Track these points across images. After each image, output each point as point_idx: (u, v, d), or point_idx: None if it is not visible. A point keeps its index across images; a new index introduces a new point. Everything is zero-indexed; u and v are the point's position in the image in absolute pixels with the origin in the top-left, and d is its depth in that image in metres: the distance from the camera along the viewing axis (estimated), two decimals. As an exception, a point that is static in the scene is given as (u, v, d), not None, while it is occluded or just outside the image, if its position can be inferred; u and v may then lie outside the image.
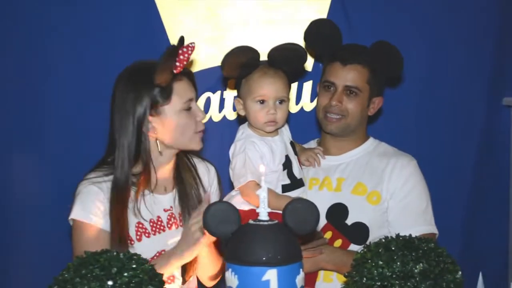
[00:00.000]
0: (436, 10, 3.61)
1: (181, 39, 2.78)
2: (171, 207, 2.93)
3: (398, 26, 3.58)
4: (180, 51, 2.76)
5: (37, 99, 3.49)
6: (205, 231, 2.30)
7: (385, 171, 3.16)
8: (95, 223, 2.75)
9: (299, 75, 3.58)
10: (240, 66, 2.87)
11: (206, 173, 3.06)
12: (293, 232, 2.10)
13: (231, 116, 3.61)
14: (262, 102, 2.89)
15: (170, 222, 2.91)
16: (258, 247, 2.04)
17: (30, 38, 3.45)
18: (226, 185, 3.15)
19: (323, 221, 3.10)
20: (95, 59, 3.48)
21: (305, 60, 2.99)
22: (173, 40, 3.03)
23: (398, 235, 2.14)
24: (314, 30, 3.23)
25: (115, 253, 2.11)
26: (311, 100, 3.64)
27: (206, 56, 3.56)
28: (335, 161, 3.24)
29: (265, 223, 2.10)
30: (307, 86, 3.67)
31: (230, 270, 2.07)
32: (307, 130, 3.54)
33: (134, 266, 2.08)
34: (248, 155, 2.87)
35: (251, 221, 2.13)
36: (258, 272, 2.02)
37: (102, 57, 3.45)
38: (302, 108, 3.66)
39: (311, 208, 2.15)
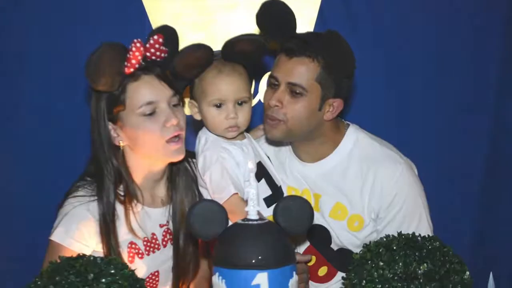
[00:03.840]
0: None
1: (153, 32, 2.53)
2: (168, 221, 2.69)
3: (402, 12, 3.38)
4: (130, 48, 2.49)
5: (11, 91, 3.35)
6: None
7: (365, 186, 2.74)
8: (73, 248, 2.50)
9: (261, 69, 3.20)
10: (191, 67, 2.57)
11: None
12: (285, 232, 2.00)
13: None
14: (220, 105, 2.57)
15: (166, 239, 2.68)
16: (247, 249, 1.94)
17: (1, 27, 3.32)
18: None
19: (305, 243, 2.82)
20: (72, 47, 3.28)
21: (264, 51, 2.64)
22: (156, 24, 2.81)
23: (400, 234, 2.05)
24: (265, 12, 2.74)
25: (92, 258, 2.01)
26: None
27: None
28: (308, 170, 2.83)
29: (255, 222, 1.99)
30: None
31: (217, 274, 1.97)
32: None
33: (112, 271, 1.98)
34: (224, 164, 2.53)
35: (239, 221, 2.02)
36: (248, 276, 1.93)
37: (79, 44, 3.21)
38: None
39: (304, 205, 2.03)
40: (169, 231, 2.67)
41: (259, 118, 2.99)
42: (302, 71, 2.64)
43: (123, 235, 2.56)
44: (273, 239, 1.97)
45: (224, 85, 2.56)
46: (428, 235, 2.05)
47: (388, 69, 3.39)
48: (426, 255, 1.97)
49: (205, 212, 1.99)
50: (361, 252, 2.04)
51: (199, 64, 2.56)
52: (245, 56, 2.59)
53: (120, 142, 2.55)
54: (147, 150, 2.55)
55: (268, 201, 2.64)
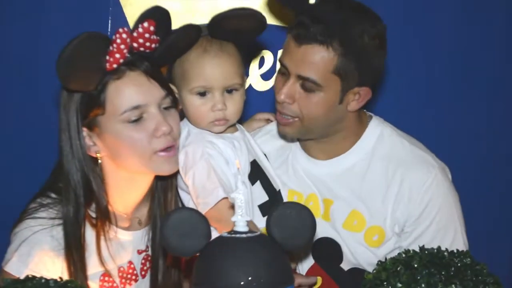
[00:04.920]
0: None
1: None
2: (147, 247, 2.33)
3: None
4: (113, 39, 2.12)
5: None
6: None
7: (389, 192, 2.39)
8: None
9: (255, 48, 2.91)
10: (175, 50, 2.24)
11: None
12: (280, 247, 1.78)
13: None
14: (204, 94, 2.25)
15: (145, 268, 2.33)
16: (235, 268, 1.73)
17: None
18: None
19: (309, 260, 2.47)
20: (33, 35, 3.01)
21: (262, 28, 2.29)
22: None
23: (422, 248, 1.81)
24: None
25: (43, 280, 1.73)
26: None
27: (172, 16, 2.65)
28: (320, 169, 2.48)
29: (243, 235, 1.76)
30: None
31: (198, 298, 1.74)
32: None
33: (69, 298, 1.70)
34: (211, 162, 2.23)
35: (224, 234, 1.77)
36: (235, 301, 1.71)
37: (36, 32, 2.98)
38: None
39: (304, 214, 1.78)
40: (149, 258, 2.32)
41: (253, 108, 2.67)
42: (314, 62, 2.27)
43: (93, 265, 2.19)
44: (266, 255, 1.75)
45: (209, 69, 2.23)
46: (457, 250, 1.81)
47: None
48: (454, 274, 1.78)
49: (182, 223, 1.74)
50: (374, 271, 1.81)
51: (183, 48, 2.23)
52: (237, 33, 2.25)
53: (97, 152, 2.17)
54: (130, 163, 2.18)
55: (264, 208, 2.33)
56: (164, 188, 2.31)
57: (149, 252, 2.31)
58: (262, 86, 3.00)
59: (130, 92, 2.13)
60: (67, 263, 2.15)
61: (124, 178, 2.21)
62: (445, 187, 2.40)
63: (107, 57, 2.09)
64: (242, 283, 1.70)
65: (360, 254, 2.40)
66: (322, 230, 2.41)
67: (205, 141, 2.25)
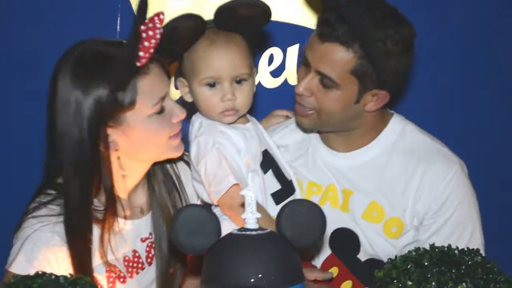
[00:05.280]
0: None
1: (142, 6, 2.11)
2: (151, 234, 2.34)
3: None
4: (143, 34, 2.10)
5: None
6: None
7: (410, 185, 2.41)
8: None
9: (263, 38, 2.85)
10: (178, 41, 2.23)
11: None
12: (291, 244, 1.77)
13: None
14: (213, 84, 2.25)
15: (150, 255, 2.33)
16: (244, 266, 1.72)
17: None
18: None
19: (326, 251, 2.48)
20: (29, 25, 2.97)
21: (269, 16, 2.27)
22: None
23: (433, 246, 1.80)
24: None
25: (53, 277, 1.72)
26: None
27: (175, 12, 2.58)
28: (340, 161, 2.50)
29: (253, 232, 1.75)
30: (293, 51, 2.98)
31: (207, 296, 1.74)
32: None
33: (79, 293, 1.70)
34: (222, 151, 2.24)
35: (234, 231, 1.77)
36: (244, 299, 1.71)
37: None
38: (286, 81, 2.99)
39: (315, 211, 1.77)
40: (153, 245, 2.33)
41: (263, 105, 2.66)
42: (334, 60, 2.31)
43: (98, 257, 2.19)
44: (276, 253, 1.75)
45: (217, 59, 2.23)
46: (468, 248, 1.80)
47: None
48: (465, 273, 1.76)
49: (192, 220, 1.73)
50: (385, 269, 1.80)
51: (186, 39, 2.23)
52: (243, 24, 2.25)
53: (117, 147, 2.18)
54: (149, 152, 2.22)
55: (276, 197, 2.34)
56: (153, 174, 2.33)
57: (153, 239, 2.32)
58: (271, 83, 2.98)
59: (156, 84, 2.17)
60: (72, 256, 2.14)
61: (130, 168, 2.23)
62: (464, 183, 2.44)
63: (141, 54, 2.08)
64: (252, 280, 1.70)
65: (378, 245, 2.41)
66: (341, 221, 2.43)
67: (217, 131, 2.26)
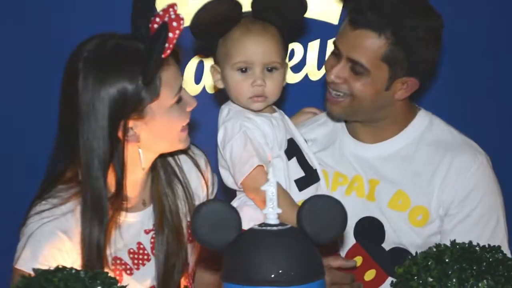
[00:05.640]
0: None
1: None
2: (154, 225, 2.33)
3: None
4: (175, 25, 2.12)
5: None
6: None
7: (436, 175, 2.45)
8: None
9: (298, 32, 2.91)
10: (214, 22, 2.30)
11: (194, 167, 2.45)
12: (311, 240, 1.75)
13: (212, 88, 3.00)
14: (245, 70, 2.31)
15: (152, 246, 2.34)
16: (265, 261, 1.70)
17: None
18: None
19: (350, 240, 2.51)
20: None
21: (305, 9, 2.35)
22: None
23: (453, 242, 1.81)
24: None
25: (73, 271, 1.72)
26: (319, 67, 3.01)
27: (189, 8, 2.68)
28: (367, 152, 2.55)
29: (274, 228, 1.73)
30: (314, 46, 3.02)
31: (227, 292, 1.73)
32: (314, 106, 2.88)
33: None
34: (248, 134, 2.31)
35: (255, 226, 1.75)
36: (265, 295, 1.69)
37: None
38: (306, 76, 3.02)
39: (336, 207, 1.77)
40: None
41: (284, 101, 2.65)
42: (365, 47, 2.37)
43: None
44: (297, 248, 1.72)
45: (251, 45, 2.30)
46: (489, 245, 1.81)
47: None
48: (486, 270, 1.77)
49: (213, 215, 1.72)
50: (405, 265, 1.81)
51: (222, 23, 2.29)
52: (280, 15, 2.31)
53: (138, 139, 2.20)
54: (163, 144, 2.25)
55: (300, 183, 2.38)
56: (155, 165, 2.34)
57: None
58: (292, 78, 2.99)
59: (176, 74, 2.22)
60: (84, 248, 2.15)
61: (144, 160, 2.24)
62: (490, 174, 2.48)
63: (167, 45, 2.09)
64: (272, 276, 1.68)
65: (403, 233, 2.45)
66: (367, 210, 2.48)
67: (243, 116, 2.33)
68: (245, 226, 1.75)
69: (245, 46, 2.30)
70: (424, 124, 2.53)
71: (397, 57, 2.37)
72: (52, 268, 1.73)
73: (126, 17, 2.30)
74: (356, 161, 2.54)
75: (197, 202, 2.37)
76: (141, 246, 2.28)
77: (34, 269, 1.73)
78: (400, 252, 2.45)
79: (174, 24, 2.07)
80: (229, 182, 2.37)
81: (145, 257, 2.28)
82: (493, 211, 2.45)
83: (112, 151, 2.15)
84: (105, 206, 2.16)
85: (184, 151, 2.41)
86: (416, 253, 1.81)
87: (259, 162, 2.21)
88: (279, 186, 2.18)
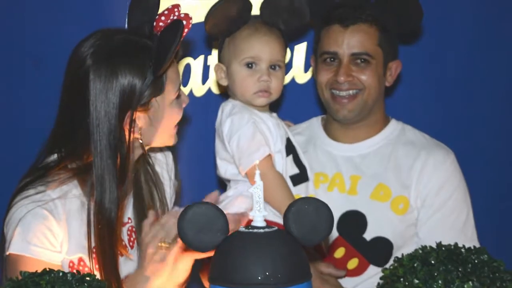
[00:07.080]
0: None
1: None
2: (129, 218, 2.35)
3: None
4: (185, 23, 2.21)
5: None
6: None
7: (413, 168, 2.65)
8: (40, 257, 2.13)
9: (295, 37, 3.02)
10: (227, 20, 2.46)
11: (164, 164, 2.50)
12: (298, 242, 1.76)
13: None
14: (252, 66, 2.47)
15: (132, 239, 2.34)
16: (252, 263, 1.71)
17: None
18: (212, 181, 2.71)
19: (333, 233, 2.61)
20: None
21: (306, 18, 2.56)
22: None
23: (439, 244, 1.81)
24: None
25: (61, 274, 1.72)
26: (305, 70, 3.05)
27: (186, 10, 2.63)
28: (347, 152, 2.71)
29: (261, 230, 1.75)
30: (300, 49, 3.06)
31: (214, 294, 1.73)
32: (300, 108, 3.00)
33: (86, 291, 1.70)
34: (256, 125, 2.45)
35: (242, 229, 1.77)
36: (252, 296, 1.70)
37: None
38: (293, 79, 3.07)
39: (323, 209, 1.77)
40: (134, 229, 2.34)
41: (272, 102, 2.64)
42: (363, 38, 2.61)
43: (79, 242, 2.20)
44: (284, 251, 1.74)
45: (259, 43, 2.48)
46: (474, 247, 1.81)
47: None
48: (471, 271, 1.76)
49: (200, 217, 1.73)
50: (391, 267, 1.81)
51: (231, 21, 2.46)
52: (284, 19, 2.52)
53: (139, 131, 2.24)
54: (159, 137, 2.31)
55: (294, 179, 2.55)
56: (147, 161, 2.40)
57: (133, 224, 2.33)
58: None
59: (178, 71, 2.31)
60: (99, 237, 2.17)
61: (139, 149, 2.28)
62: (460, 171, 2.69)
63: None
64: (259, 278, 1.69)
65: (385, 222, 2.61)
66: (349, 204, 2.62)
67: (250, 111, 2.47)
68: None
69: (254, 43, 2.45)
70: (398, 128, 2.73)
71: (386, 40, 2.63)
72: (41, 267, 1.73)
73: (114, 17, 2.33)
74: (336, 160, 2.69)
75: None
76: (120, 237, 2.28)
77: (20, 272, 1.71)
78: (381, 242, 2.61)
79: (184, 22, 2.15)
80: (227, 174, 2.48)
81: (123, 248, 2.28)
82: (463, 203, 2.66)
83: (125, 143, 2.20)
84: (117, 197, 2.18)
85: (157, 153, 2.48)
86: (402, 255, 1.81)
87: (270, 151, 2.37)
88: (281, 176, 2.40)
